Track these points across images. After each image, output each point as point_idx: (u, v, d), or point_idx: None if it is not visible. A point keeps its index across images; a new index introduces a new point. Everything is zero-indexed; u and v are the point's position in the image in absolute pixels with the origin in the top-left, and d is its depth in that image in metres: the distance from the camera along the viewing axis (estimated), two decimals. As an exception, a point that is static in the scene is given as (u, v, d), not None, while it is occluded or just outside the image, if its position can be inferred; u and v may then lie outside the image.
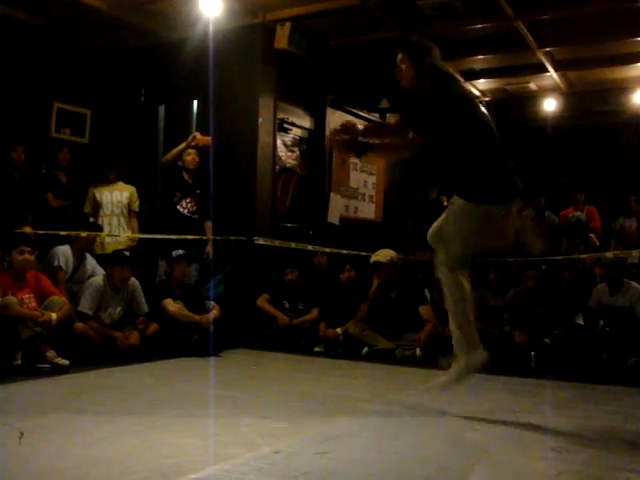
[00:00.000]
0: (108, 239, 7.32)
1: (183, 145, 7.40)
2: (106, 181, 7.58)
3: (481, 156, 3.96)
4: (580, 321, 6.85)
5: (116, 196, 7.56)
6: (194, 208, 7.38)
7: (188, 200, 7.37)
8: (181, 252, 6.84)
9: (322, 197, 8.82)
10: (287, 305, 7.44)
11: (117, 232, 7.47)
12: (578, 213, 8.42)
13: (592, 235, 8.26)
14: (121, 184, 7.65)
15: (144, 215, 7.95)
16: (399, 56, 4.22)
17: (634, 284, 6.74)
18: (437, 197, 9.56)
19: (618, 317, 6.61)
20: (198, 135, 7.45)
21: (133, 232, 7.55)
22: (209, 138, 7.38)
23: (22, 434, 3.41)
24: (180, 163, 7.41)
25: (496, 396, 4.96)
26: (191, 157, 7.38)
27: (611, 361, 6.31)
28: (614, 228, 8.77)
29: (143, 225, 7.77)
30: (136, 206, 7.66)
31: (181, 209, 7.35)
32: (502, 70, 9.72)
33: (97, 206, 7.50)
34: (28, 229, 6.40)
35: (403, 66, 4.18)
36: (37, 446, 3.31)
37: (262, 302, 7.39)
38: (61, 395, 4.67)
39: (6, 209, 6.53)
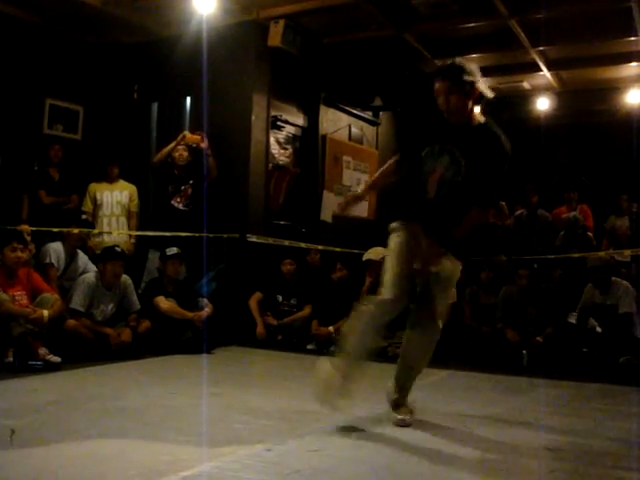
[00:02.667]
0: (107, 239, 7.29)
1: (172, 144, 7.38)
2: (107, 178, 7.53)
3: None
4: (572, 320, 6.88)
5: (116, 196, 7.51)
6: (188, 200, 7.36)
7: (181, 194, 7.35)
8: (175, 250, 6.82)
9: (315, 195, 8.82)
10: (280, 299, 7.44)
11: (118, 234, 7.45)
12: (574, 213, 8.43)
13: (590, 234, 8.28)
14: (122, 182, 7.60)
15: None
16: (439, 85, 3.72)
17: (623, 282, 6.76)
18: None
19: (608, 316, 6.65)
20: (188, 134, 7.41)
21: (132, 234, 7.52)
22: (199, 137, 7.33)
23: (13, 432, 3.40)
24: (170, 160, 7.40)
25: (488, 394, 4.97)
26: (178, 153, 7.35)
27: (603, 359, 6.34)
28: (606, 227, 8.79)
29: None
30: (134, 205, 7.60)
31: (175, 204, 7.33)
32: (495, 69, 9.72)
33: (97, 206, 7.45)
34: (26, 227, 6.37)
35: (452, 98, 3.69)
36: (29, 444, 3.30)
37: (252, 302, 7.37)
38: (53, 392, 4.66)
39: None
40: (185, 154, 7.36)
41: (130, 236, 7.53)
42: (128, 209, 7.55)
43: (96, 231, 7.22)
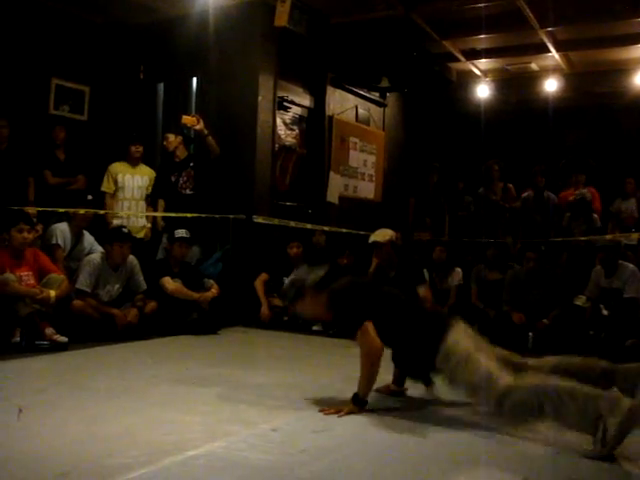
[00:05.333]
0: (126, 222, 7.25)
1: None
2: (128, 159, 7.45)
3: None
4: (578, 302, 6.86)
5: (137, 180, 7.44)
6: (193, 184, 7.34)
7: (185, 178, 7.32)
8: (183, 233, 6.81)
9: (321, 176, 8.80)
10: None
11: (136, 217, 7.43)
12: (584, 191, 8.37)
13: (595, 215, 8.23)
14: (143, 167, 7.53)
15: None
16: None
17: (630, 266, 6.74)
18: (438, 181, 9.53)
19: (614, 299, 6.63)
20: (183, 116, 7.33)
21: (157, 217, 7.49)
22: (194, 118, 7.20)
23: (21, 410, 3.42)
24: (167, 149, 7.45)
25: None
26: (166, 142, 7.37)
27: (609, 342, 6.33)
28: (612, 211, 8.75)
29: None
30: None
31: (182, 190, 7.31)
32: (504, 50, 9.67)
33: (118, 188, 7.37)
34: (31, 210, 6.37)
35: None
36: (36, 423, 3.32)
37: (258, 283, 7.35)
38: (59, 372, 4.68)
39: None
40: (172, 139, 7.32)
41: (147, 221, 7.51)
42: (146, 193, 7.51)
43: (102, 212, 7.20)
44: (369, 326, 3.71)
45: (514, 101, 11.13)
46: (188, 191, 7.31)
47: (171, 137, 7.34)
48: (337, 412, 3.64)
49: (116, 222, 7.23)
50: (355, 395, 3.72)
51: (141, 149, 7.49)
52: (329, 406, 3.71)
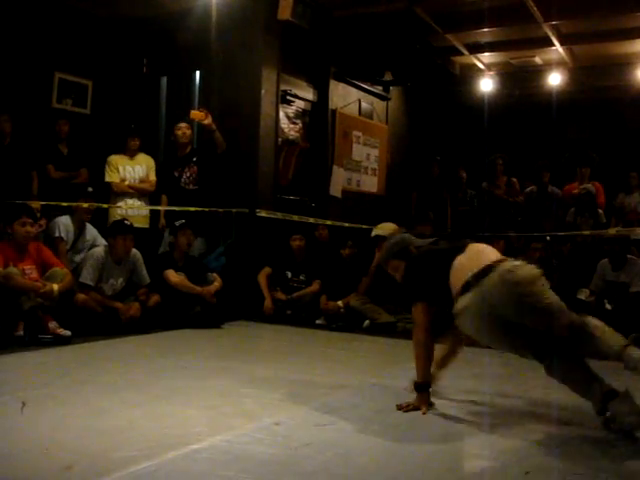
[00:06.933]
0: (127, 213, 7.23)
1: None
2: (126, 151, 7.43)
3: None
4: (582, 296, 6.84)
5: (138, 171, 7.42)
6: (196, 180, 7.33)
7: (188, 174, 7.32)
8: (184, 221, 6.82)
9: (325, 170, 8.79)
10: (290, 275, 7.44)
11: (136, 208, 7.38)
12: (589, 185, 8.34)
13: (600, 211, 8.21)
14: (141, 155, 7.50)
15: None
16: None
17: (639, 261, 6.72)
18: (439, 174, 9.51)
19: (620, 293, 6.62)
20: (192, 111, 7.29)
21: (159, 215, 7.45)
22: (202, 113, 7.16)
23: (24, 404, 3.42)
24: (172, 138, 7.41)
25: (497, 370, 4.97)
26: (181, 132, 7.32)
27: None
28: (615, 205, 8.73)
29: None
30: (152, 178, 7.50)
31: (185, 186, 7.30)
32: (508, 43, 9.64)
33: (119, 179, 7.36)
34: (35, 204, 6.37)
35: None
36: (39, 416, 3.33)
37: (261, 277, 7.36)
38: (63, 366, 4.69)
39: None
40: (188, 132, 7.33)
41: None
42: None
43: (105, 205, 7.20)
44: (423, 306, 3.75)
45: (517, 95, 11.10)
46: (191, 186, 7.31)
47: (188, 132, 7.33)
48: (410, 408, 3.62)
49: (120, 212, 7.22)
50: (415, 382, 3.69)
51: (138, 142, 7.47)
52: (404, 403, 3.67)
